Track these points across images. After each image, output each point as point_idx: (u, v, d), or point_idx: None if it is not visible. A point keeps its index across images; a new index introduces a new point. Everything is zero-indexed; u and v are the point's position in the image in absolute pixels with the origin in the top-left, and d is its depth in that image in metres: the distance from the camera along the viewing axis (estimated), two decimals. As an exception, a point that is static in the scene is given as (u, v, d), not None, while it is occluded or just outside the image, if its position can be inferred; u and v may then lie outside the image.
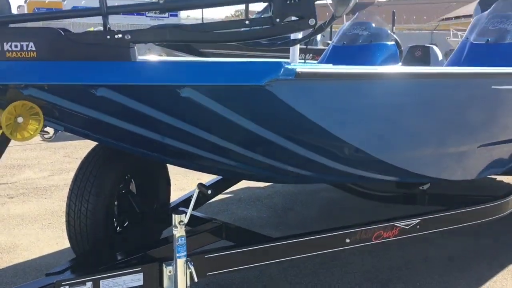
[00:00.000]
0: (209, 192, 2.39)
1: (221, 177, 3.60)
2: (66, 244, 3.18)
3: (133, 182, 3.10)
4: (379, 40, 4.82)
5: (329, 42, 5.58)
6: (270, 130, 2.20)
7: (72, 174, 2.92)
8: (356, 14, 5.40)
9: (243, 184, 5.66)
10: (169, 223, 2.91)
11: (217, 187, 3.61)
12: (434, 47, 5.32)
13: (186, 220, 2.26)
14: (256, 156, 2.53)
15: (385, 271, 3.49)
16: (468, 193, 3.82)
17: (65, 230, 2.91)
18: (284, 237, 2.79)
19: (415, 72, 2.57)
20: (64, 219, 2.87)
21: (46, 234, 4.09)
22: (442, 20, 30.66)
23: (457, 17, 28.48)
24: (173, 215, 2.27)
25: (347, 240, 2.84)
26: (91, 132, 2.37)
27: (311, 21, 1.88)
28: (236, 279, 3.24)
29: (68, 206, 2.75)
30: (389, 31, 4.88)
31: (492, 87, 2.74)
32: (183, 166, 2.95)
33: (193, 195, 2.33)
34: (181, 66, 1.86)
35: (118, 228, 2.99)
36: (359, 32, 4.86)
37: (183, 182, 5.31)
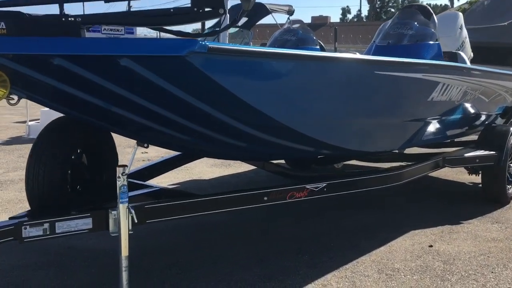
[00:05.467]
0: (146, 145, 2.95)
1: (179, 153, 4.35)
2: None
3: (84, 155, 3.59)
4: (306, 44, 5.52)
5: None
6: (195, 97, 2.76)
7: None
8: (287, 23, 6.13)
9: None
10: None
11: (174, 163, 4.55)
12: None
13: (127, 171, 2.80)
14: (193, 125, 3.02)
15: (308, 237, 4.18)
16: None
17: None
18: (211, 194, 3.36)
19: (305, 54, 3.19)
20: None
21: (2, 217, 4.48)
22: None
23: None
24: (117, 168, 2.80)
25: (265, 198, 3.41)
26: (49, 101, 2.88)
27: (221, 11, 2.50)
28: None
29: (27, 170, 3.19)
30: (314, 38, 5.61)
31: (375, 72, 3.46)
32: (133, 138, 3.39)
33: (134, 151, 2.89)
34: (121, 40, 2.43)
35: (71, 192, 3.44)
36: (288, 38, 5.57)
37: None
